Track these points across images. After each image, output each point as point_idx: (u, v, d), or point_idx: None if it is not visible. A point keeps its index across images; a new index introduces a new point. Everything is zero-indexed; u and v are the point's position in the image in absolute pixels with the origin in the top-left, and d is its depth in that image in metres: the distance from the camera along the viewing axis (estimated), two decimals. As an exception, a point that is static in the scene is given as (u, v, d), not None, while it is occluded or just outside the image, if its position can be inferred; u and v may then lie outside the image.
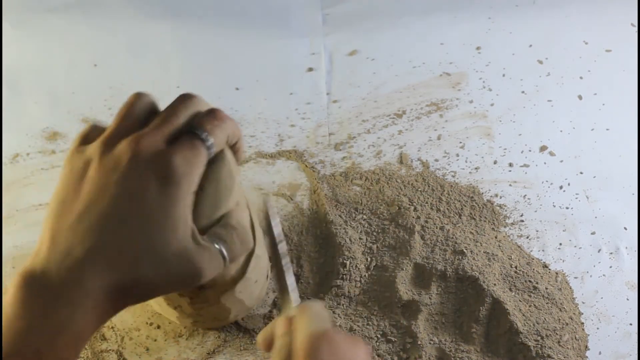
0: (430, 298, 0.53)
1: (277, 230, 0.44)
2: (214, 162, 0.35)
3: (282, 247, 0.43)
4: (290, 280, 0.41)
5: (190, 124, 0.34)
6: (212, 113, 0.35)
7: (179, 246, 0.32)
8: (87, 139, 0.34)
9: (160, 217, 0.31)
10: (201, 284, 0.34)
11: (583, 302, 0.55)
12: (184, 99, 0.35)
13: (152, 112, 0.35)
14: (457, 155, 0.64)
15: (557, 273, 0.56)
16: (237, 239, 0.36)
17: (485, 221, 0.59)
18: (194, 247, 0.33)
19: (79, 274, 0.30)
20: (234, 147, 0.37)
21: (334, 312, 0.53)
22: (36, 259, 0.31)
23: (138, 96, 0.35)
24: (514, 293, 0.53)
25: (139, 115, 0.34)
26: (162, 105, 0.36)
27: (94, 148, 0.33)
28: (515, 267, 0.55)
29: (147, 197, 0.31)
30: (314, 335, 0.35)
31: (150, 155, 0.32)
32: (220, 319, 0.49)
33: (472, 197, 0.61)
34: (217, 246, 0.34)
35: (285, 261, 0.43)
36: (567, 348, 0.51)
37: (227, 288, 0.42)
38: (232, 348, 0.52)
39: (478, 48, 0.73)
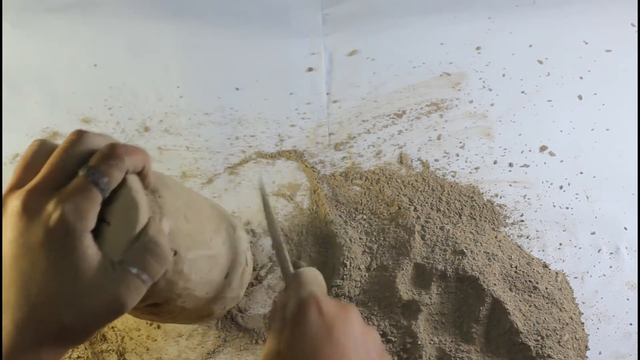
0: (430, 298, 0.53)
1: (269, 209, 0.45)
2: (116, 195, 0.34)
3: (273, 226, 0.44)
4: (284, 253, 0.43)
5: (83, 164, 0.33)
6: (110, 151, 0.33)
7: (92, 285, 0.32)
8: (23, 179, 0.33)
9: (63, 266, 0.31)
10: (129, 309, 0.34)
11: (583, 302, 0.55)
12: (72, 140, 0.34)
13: None
14: (457, 155, 0.64)
15: (557, 273, 0.56)
16: (152, 257, 0.35)
17: (485, 221, 0.59)
18: (108, 280, 0.33)
19: (8, 338, 0.31)
20: (140, 174, 0.36)
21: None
22: None
23: (36, 145, 0.34)
24: (514, 293, 0.53)
25: (38, 165, 0.33)
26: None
27: None
28: (515, 267, 0.55)
29: (45, 251, 0.31)
30: (301, 300, 0.37)
31: (38, 208, 0.31)
32: (205, 316, 0.48)
33: (472, 197, 0.61)
34: (133, 270, 0.34)
35: (276, 237, 0.44)
36: (567, 348, 0.51)
37: (184, 299, 0.41)
38: (232, 348, 0.52)
39: (478, 48, 0.73)
